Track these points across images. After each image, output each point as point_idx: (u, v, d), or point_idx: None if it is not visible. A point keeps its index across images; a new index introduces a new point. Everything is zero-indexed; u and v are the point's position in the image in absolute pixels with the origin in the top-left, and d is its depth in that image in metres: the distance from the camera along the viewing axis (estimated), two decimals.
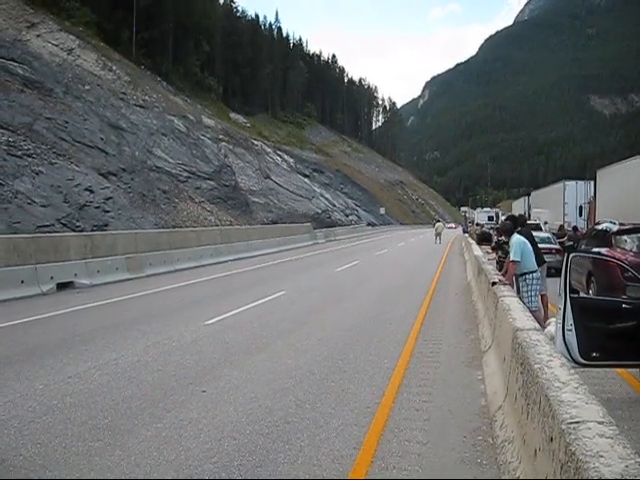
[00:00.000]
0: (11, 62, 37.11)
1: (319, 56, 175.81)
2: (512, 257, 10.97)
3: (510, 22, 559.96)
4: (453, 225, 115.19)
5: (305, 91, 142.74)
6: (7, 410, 7.05)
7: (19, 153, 29.79)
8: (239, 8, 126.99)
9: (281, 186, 69.77)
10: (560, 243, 23.46)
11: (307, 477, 5.20)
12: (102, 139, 39.46)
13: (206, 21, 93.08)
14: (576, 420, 3.38)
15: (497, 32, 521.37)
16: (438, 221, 76.61)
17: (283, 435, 6.20)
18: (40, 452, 5.76)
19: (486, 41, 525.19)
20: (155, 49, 77.04)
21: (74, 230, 27.65)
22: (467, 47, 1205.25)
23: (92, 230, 28.61)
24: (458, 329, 12.12)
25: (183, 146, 52.10)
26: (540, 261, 12.02)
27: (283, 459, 5.57)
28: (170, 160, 47.13)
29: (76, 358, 9.58)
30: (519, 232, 11.91)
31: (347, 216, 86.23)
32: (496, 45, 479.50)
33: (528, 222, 17.51)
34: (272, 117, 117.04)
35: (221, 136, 65.41)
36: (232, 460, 5.52)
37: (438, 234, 54.19)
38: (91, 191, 32.53)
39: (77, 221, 29.27)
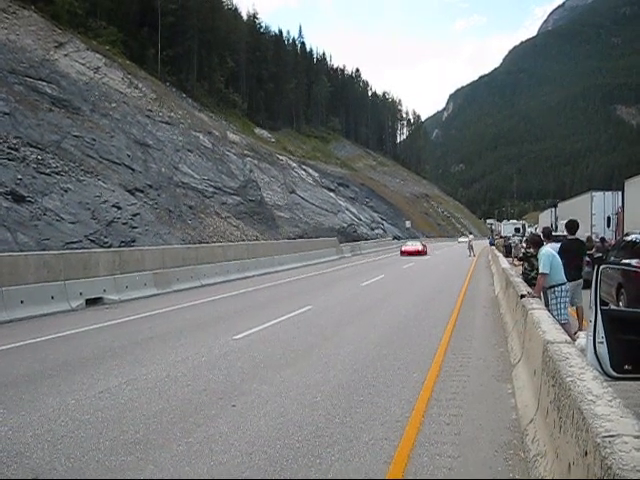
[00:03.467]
0: (40, 82, 37.59)
1: (343, 70, 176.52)
2: (541, 269, 10.88)
3: (534, 33, 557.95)
4: (466, 239, 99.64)
5: (329, 105, 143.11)
6: (40, 424, 7.12)
7: (48, 171, 30.12)
8: (263, 24, 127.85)
9: (306, 200, 69.88)
10: (588, 255, 23.24)
11: None
12: (129, 156, 39.79)
13: (230, 37, 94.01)
14: (611, 434, 3.35)
15: (521, 43, 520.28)
16: (470, 233, 76.69)
17: (313, 449, 6.19)
18: (74, 466, 5.80)
19: (510, 52, 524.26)
20: (180, 66, 77.79)
21: (102, 246, 27.86)
22: (491, 59, 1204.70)
23: (120, 246, 28.81)
24: (487, 342, 12.04)
25: (209, 162, 52.38)
26: (577, 274, 11.92)
27: (314, 474, 5.57)
28: (196, 176, 47.39)
29: (107, 373, 9.65)
30: (567, 244, 11.84)
31: (373, 230, 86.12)
32: (520, 56, 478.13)
33: (554, 234, 17.34)
34: (297, 132, 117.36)
35: (246, 151, 65.73)
36: (263, 474, 5.53)
37: (470, 247, 54.32)
38: (118, 207, 32.79)
39: (105, 237, 29.51)
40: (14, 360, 11.04)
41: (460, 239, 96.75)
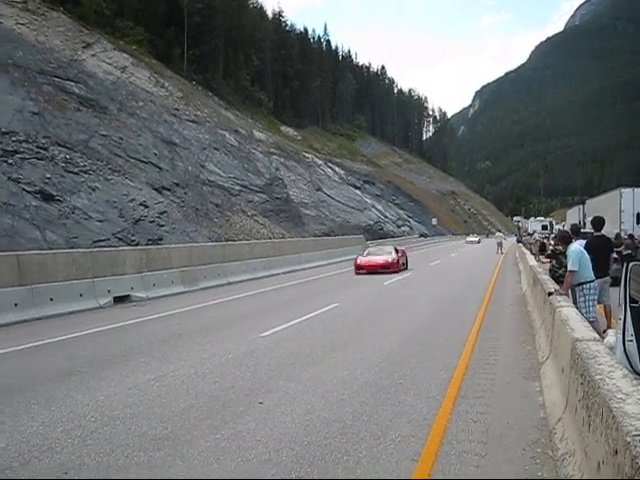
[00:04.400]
0: (68, 82, 37.94)
1: (368, 67, 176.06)
2: (570, 267, 10.76)
3: (561, 28, 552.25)
4: (475, 239, 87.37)
5: (355, 103, 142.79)
6: (70, 420, 7.19)
7: (76, 170, 30.41)
8: (288, 22, 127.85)
9: (333, 198, 69.86)
10: (617, 252, 22.99)
11: None
12: (156, 154, 40.04)
13: (256, 36, 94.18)
14: None
15: (547, 39, 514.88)
16: (499, 231, 76.15)
17: (341, 447, 6.18)
18: (103, 462, 5.85)
19: (536, 48, 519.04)
20: (206, 65, 78.08)
21: (129, 244, 28.08)
22: (517, 55, 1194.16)
23: (147, 244, 29.01)
24: (514, 340, 11.96)
25: (235, 160, 52.56)
26: (604, 272, 11.80)
27: (341, 471, 5.55)
28: (222, 174, 47.59)
29: (135, 370, 9.72)
30: (593, 241, 11.73)
31: (399, 227, 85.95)
32: (546, 52, 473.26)
33: (583, 230, 17.16)
34: (322, 129, 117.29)
35: (272, 149, 65.85)
36: (290, 471, 5.53)
37: (499, 244, 53.64)
38: (145, 206, 33.01)
39: (132, 235, 29.72)
40: (44, 357, 11.17)
41: (468, 238, 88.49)
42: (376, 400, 7.87)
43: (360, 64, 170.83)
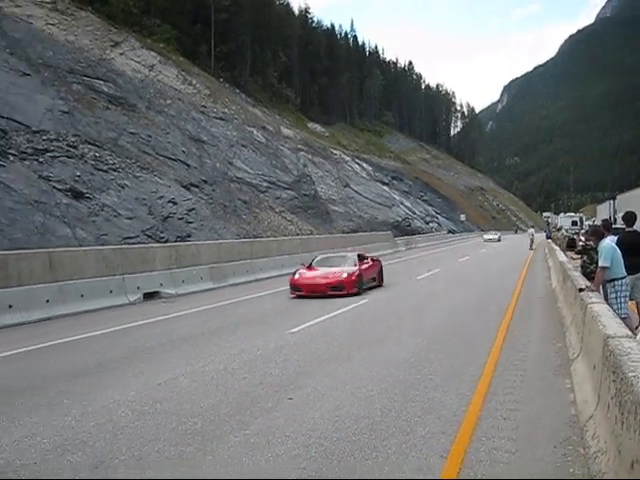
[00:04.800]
0: (97, 80, 38.26)
1: (395, 63, 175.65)
2: (602, 263, 10.64)
3: (592, 20, 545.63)
4: (494, 236, 76.57)
5: (382, 99, 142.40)
6: (102, 415, 7.26)
7: (105, 167, 30.66)
8: (315, 18, 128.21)
9: (360, 194, 69.74)
10: None
11: None
12: (184, 152, 40.25)
13: (283, 32, 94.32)
14: None
15: (578, 31, 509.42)
16: (532, 227, 75.26)
17: (370, 442, 6.17)
18: (134, 455, 5.90)
19: (566, 42, 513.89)
20: (233, 62, 78.33)
21: (158, 241, 28.25)
22: (546, 49, 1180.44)
23: (176, 241, 29.17)
24: (544, 336, 11.87)
25: (263, 157, 52.68)
26: (636, 268, 11.63)
27: (370, 466, 5.54)
28: (250, 171, 47.71)
29: (165, 366, 9.79)
30: (625, 237, 11.59)
31: (427, 223, 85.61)
32: (576, 45, 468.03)
33: (614, 226, 16.95)
34: (350, 126, 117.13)
35: (300, 146, 65.90)
36: (320, 467, 5.53)
37: (531, 240, 53.11)
38: (174, 203, 33.19)
39: (161, 232, 29.91)
40: (75, 353, 11.29)
41: (486, 236, 78.35)
42: (405, 396, 7.85)
43: (387, 60, 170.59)
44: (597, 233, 11.75)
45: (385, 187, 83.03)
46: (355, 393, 8.02)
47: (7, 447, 6.26)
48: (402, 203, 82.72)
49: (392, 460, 5.70)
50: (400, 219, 74.01)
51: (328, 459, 5.72)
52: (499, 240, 74.20)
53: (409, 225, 75.22)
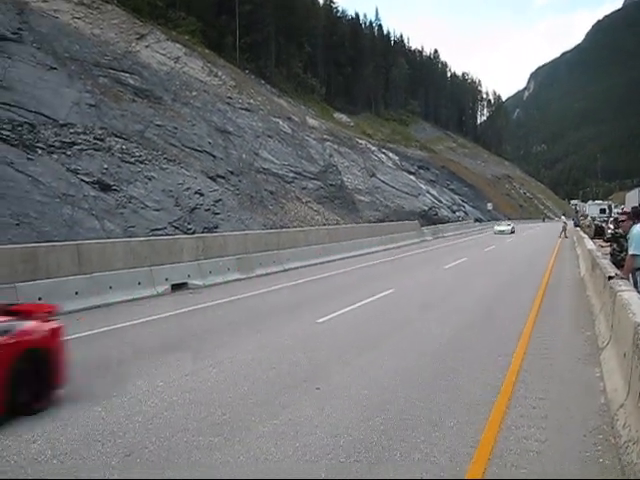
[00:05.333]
0: (122, 73, 38.44)
1: (421, 52, 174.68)
2: (632, 250, 10.50)
3: (619, 5, 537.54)
4: (507, 227, 65.05)
5: (408, 88, 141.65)
6: (132, 406, 7.33)
7: (132, 160, 30.82)
8: (339, 8, 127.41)
9: (387, 184, 69.52)
10: None
11: (425, 476, 5.16)
12: (210, 143, 40.35)
13: (307, 23, 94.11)
14: None
15: (605, 17, 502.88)
16: (564, 214, 74.28)
17: (398, 432, 6.18)
18: (164, 445, 5.96)
19: (593, 27, 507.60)
20: (258, 53, 78.35)
21: (186, 232, 28.37)
22: (573, 35, 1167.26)
23: (203, 232, 29.26)
24: (573, 325, 11.81)
25: (289, 147, 52.68)
26: None
27: (399, 456, 5.55)
28: (276, 161, 47.74)
29: (193, 356, 9.85)
30: None
31: (454, 212, 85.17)
32: (604, 31, 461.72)
33: None
34: (375, 115, 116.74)
35: (325, 136, 65.81)
36: (349, 456, 5.54)
37: (564, 228, 52.52)
38: (201, 194, 33.30)
39: (188, 224, 30.03)
40: (105, 343, 11.39)
41: (497, 227, 66.37)
42: (433, 386, 7.85)
43: (412, 48, 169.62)
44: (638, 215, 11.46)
45: (411, 176, 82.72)
46: (382, 383, 8.04)
47: (39, 437, 6.35)
48: (428, 192, 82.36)
49: (421, 449, 5.71)
50: (427, 208, 73.68)
51: (356, 449, 5.74)
52: (512, 232, 62.10)
53: (436, 214, 74.85)
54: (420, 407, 7.01)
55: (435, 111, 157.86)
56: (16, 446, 6.08)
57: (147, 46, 45.57)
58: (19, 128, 26.16)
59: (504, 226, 65.52)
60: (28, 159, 25.16)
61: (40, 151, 26.20)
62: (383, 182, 69.23)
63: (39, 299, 14.94)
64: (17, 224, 21.57)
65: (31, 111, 27.64)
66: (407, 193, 72.91)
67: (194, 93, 45.15)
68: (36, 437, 6.34)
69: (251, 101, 54.59)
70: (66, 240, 20.67)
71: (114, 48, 40.62)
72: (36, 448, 6.02)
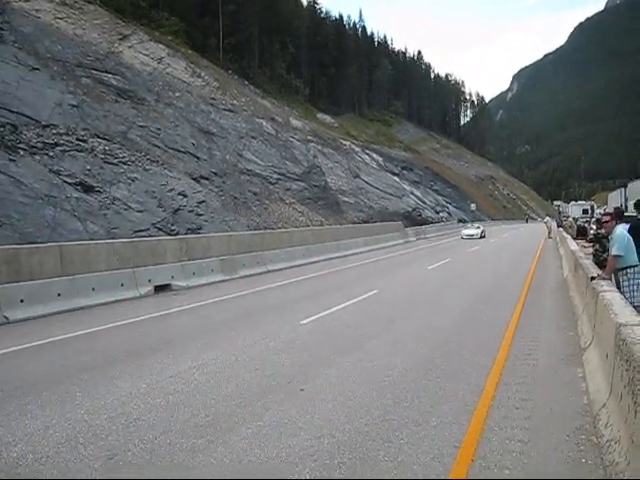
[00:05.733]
0: (105, 74, 38.29)
1: (404, 53, 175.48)
2: (615, 251, 10.57)
3: (601, 7, 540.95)
4: (476, 231, 56.30)
5: (391, 89, 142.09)
6: (114, 408, 7.31)
7: (115, 161, 30.70)
8: (323, 9, 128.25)
9: (371, 185, 69.63)
10: None
11: (408, 476, 5.18)
12: (193, 144, 40.28)
13: (291, 24, 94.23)
14: None
15: (587, 19, 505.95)
16: (548, 215, 74.26)
17: (382, 433, 6.19)
18: (147, 448, 5.95)
19: (576, 29, 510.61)
20: (241, 53, 78.35)
21: (169, 234, 28.30)
22: (556, 36, 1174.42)
23: (186, 233, 29.21)
24: (556, 325, 11.85)
25: (272, 148, 52.67)
26: None
27: (383, 457, 5.56)
28: (260, 162, 47.72)
29: (176, 358, 9.82)
30: (638, 224, 11.49)
31: (437, 213, 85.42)
32: (587, 33, 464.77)
33: (626, 214, 16.85)
34: (359, 116, 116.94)
35: (309, 137, 65.83)
36: (332, 458, 5.55)
37: (549, 228, 52.77)
38: (184, 195, 33.23)
39: (172, 225, 29.96)
40: (88, 345, 11.33)
41: (466, 231, 57.29)
42: (417, 387, 7.86)
43: (396, 50, 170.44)
44: (619, 215, 11.56)
45: (395, 177, 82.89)
46: (367, 383, 8.05)
47: (20, 440, 6.32)
48: (412, 193, 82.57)
49: (405, 450, 5.72)
50: (410, 209, 73.87)
51: (340, 450, 5.74)
52: (482, 237, 53.98)
53: (419, 215, 75.06)
54: (405, 407, 7.03)
55: (419, 112, 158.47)
56: None
57: (130, 46, 45.43)
58: (1, 129, 26.00)
59: (473, 229, 56.95)
60: (10, 160, 25.01)
61: (22, 152, 26.04)
62: (367, 183, 69.34)
63: (21, 301, 14.87)
64: None
65: (13, 112, 27.47)
66: (391, 194, 73.05)
67: (177, 94, 45.07)
68: (17, 440, 6.31)
69: (235, 102, 54.55)
70: (49, 242, 20.57)
71: (97, 48, 40.46)
72: (18, 451, 5.99)
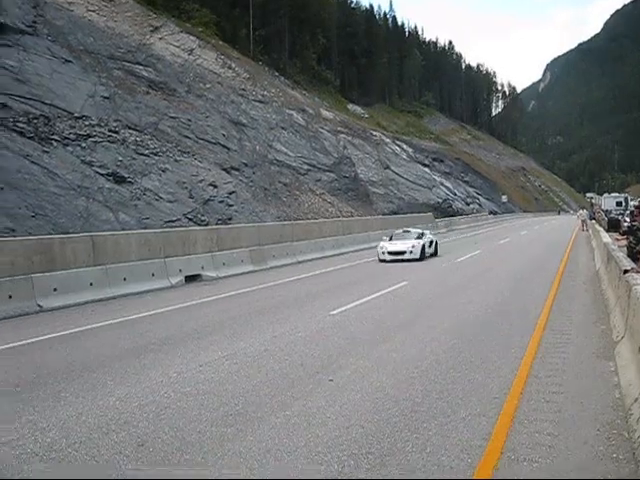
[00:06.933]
0: (137, 65, 38.54)
1: (435, 43, 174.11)
2: None
3: None
4: (404, 247, 25.96)
5: (422, 79, 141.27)
6: (145, 396, 7.37)
7: (146, 152, 30.94)
8: (353, 0, 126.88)
9: (401, 176, 69.35)
10: None
11: (435, 469, 5.15)
12: (224, 135, 40.41)
13: (321, 14, 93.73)
14: None
15: (624, 6, 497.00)
16: (583, 208, 72.41)
17: (410, 424, 6.17)
18: (177, 436, 5.99)
19: (611, 17, 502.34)
20: (272, 45, 78.30)
21: (199, 224, 28.46)
22: (590, 25, 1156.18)
23: (216, 224, 29.35)
24: (587, 319, 11.73)
25: (302, 139, 52.66)
26: None
27: (411, 448, 5.54)
28: (290, 153, 47.76)
29: (206, 348, 9.88)
30: None
31: (468, 205, 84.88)
32: (622, 21, 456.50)
33: None
34: (390, 107, 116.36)
35: (339, 128, 65.65)
36: (360, 448, 5.54)
37: (583, 221, 51.95)
38: (215, 186, 33.38)
39: (202, 215, 30.12)
40: (119, 334, 11.45)
41: (384, 244, 26.48)
42: (446, 378, 7.83)
43: (427, 40, 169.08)
44: None
45: (426, 168, 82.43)
46: (395, 374, 8.03)
47: (54, 426, 6.40)
48: (443, 184, 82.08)
49: (433, 442, 5.69)
50: (441, 200, 73.48)
51: (368, 440, 5.73)
52: (423, 257, 26.07)
53: (450, 206, 74.65)
54: (434, 399, 7.00)
55: (450, 103, 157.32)
56: (31, 435, 6.14)
57: (161, 38, 45.60)
58: (35, 121, 26.31)
59: (401, 241, 26.80)
60: (44, 151, 25.32)
61: (55, 143, 26.35)
62: (397, 174, 69.07)
63: (54, 290, 15.07)
64: (33, 216, 21.72)
65: (46, 103, 27.79)
66: (421, 185, 72.73)
67: (208, 85, 45.20)
68: (51, 426, 6.39)
69: (265, 93, 54.57)
70: (81, 232, 20.80)
71: (128, 40, 40.70)
72: (51, 437, 6.07)
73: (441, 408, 6.66)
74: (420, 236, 27.23)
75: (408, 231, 28.23)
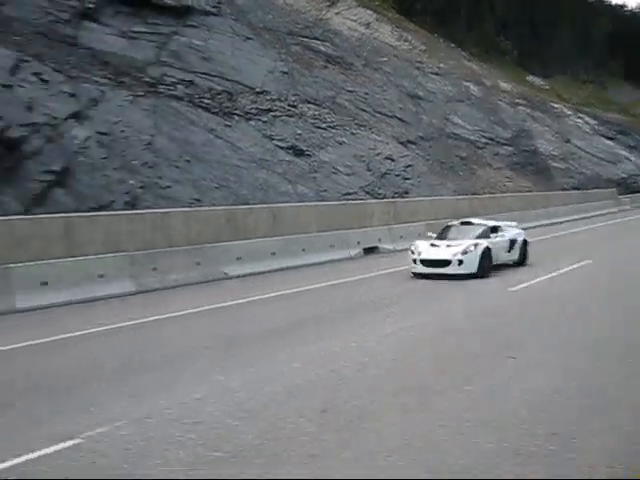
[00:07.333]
0: (314, 41, 38.97)
1: (622, 7, 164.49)
2: None
3: None
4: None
5: (607, 47, 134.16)
6: (323, 365, 7.55)
7: (324, 125, 31.29)
8: None
9: (582, 150, 66.36)
10: None
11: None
12: (400, 108, 40.20)
13: None
14: None
15: None
16: None
17: (599, 409, 5.82)
18: (357, 405, 6.05)
19: None
20: (448, 17, 77.05)
21: (376, 197, 28.48)
22: None
23: (393, 197, 29.28)
24: None
25: (480, 112, 51.48)
26: None
27: (597, 432, 5.18)
28: (467, 127, 46.81)
29: (383, 319, 10.02)
30: None
31: None
32: None
33: None
34: (571, 78, 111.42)
35: (518, 100, 63.65)
36: (544, 429, 5.22)
37: None
38: (391, 159, 33.30)
39: (379, 189, 30.11)
40: (302, 302, 11.71)
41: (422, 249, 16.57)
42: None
43: (613, 3, 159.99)
44: None
45: (610, 142, 78.41)
46: (582, 354, 7.74)
47: (241, 388, 6.58)
48: (628, 159, 77.82)
49: (627, 429, 5.29)
50: (626, 176, 69.64)
51: (554, 421, 5.45)
52: (461, 264, 15.59)
53: (635, 182, 70.62)
54: (623, 386, 6.52)
55: (637, 72, 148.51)
56: (220, 396, 6.36)
57: (337, 13, 45.83)
58: (218, 96, 27.26)
59: (450, 242, 16.55)
60: (226, 126, 26.19)
61: (237, 118, 27.19)
62: (578, 148, 66.17)
63: (237, 259, 15.59)
64: (217, 187, 22.53)
65: (229, 80, 28.69)
66: (604, 160, 69.29)
67: (384, 58, 45.05)
68: (236, 389, 6.59)
69: (441, 65, 53.74)
70: (261, 203, 21.38)
71: (305, 16, 41.22)
72: (240, 397, 6.26)
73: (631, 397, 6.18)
74: (486, 233, 17.08)
75: (469, 223, 18.41)
